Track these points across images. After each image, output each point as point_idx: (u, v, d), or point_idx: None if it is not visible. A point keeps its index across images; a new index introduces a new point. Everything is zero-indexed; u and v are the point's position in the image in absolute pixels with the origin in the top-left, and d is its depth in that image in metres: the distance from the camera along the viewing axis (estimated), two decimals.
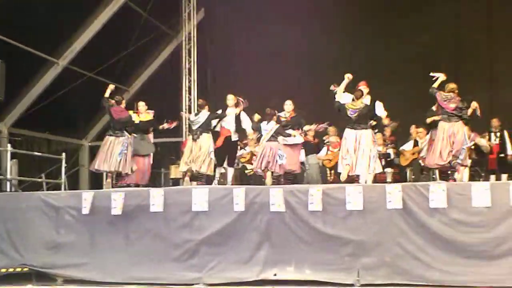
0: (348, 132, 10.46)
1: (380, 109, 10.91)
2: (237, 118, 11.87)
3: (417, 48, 16.24)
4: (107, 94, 11.82)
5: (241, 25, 17.54)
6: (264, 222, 9.68)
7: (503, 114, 14.05)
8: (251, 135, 12.27)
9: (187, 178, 11.30)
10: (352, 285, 9.20)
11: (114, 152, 11.43)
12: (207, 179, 11.85)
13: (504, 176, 13.18)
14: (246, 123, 11.85)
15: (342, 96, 10.81)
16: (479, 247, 8.93)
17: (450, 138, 10.24)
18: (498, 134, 13.58)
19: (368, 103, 10.74)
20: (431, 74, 10.71)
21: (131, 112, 12.20)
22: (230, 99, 11.87)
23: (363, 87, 10.89)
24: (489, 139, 13.48)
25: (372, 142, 10.40)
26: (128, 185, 11.77)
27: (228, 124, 11.85)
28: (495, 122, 13.64)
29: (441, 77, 10.64)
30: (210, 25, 18.45)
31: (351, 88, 10.90)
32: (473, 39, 16.46)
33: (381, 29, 16.51)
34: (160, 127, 12.25)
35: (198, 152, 11.39)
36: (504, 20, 16.46)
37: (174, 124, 12.40)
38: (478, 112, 10.53)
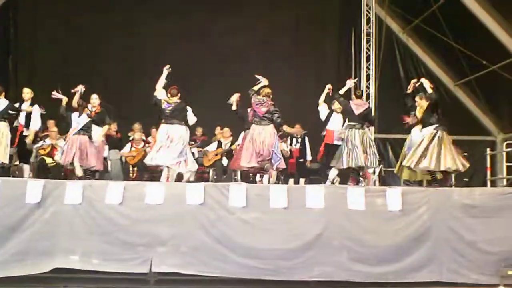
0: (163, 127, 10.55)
1: (190, 116, 11.16)
2: None
3: (226, 49, 16.39)
4: None
5: (47, 11, 16.75)
6: (56, 214, 9.34)
7: (305, 120, 14.59)
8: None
9: None
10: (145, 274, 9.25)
11: None
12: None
13: (302, 180, 13.69)
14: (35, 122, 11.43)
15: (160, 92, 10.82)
16: (276, 242, 9.32)
17: (259, 141, 10.42)
18: (300, 139, 14.09)
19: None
20: (257, 76, 10.90)
21: None
22: (27, 92, 11.38)
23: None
24: (291, 144, 13.94)
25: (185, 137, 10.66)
26: None
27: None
28: (297, 128, 14.15)
29: (264, 81, 10.86)
30: (14, 9, 17.35)
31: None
32: (281, 43, 16.94)
33: (194, 28, 16.52)
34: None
35: None
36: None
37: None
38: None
